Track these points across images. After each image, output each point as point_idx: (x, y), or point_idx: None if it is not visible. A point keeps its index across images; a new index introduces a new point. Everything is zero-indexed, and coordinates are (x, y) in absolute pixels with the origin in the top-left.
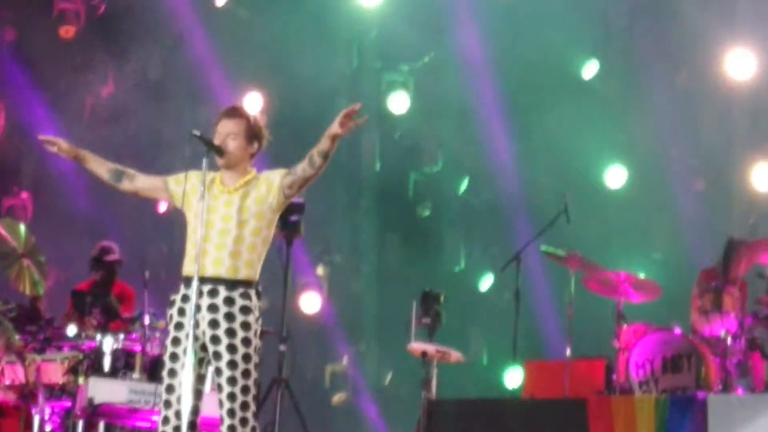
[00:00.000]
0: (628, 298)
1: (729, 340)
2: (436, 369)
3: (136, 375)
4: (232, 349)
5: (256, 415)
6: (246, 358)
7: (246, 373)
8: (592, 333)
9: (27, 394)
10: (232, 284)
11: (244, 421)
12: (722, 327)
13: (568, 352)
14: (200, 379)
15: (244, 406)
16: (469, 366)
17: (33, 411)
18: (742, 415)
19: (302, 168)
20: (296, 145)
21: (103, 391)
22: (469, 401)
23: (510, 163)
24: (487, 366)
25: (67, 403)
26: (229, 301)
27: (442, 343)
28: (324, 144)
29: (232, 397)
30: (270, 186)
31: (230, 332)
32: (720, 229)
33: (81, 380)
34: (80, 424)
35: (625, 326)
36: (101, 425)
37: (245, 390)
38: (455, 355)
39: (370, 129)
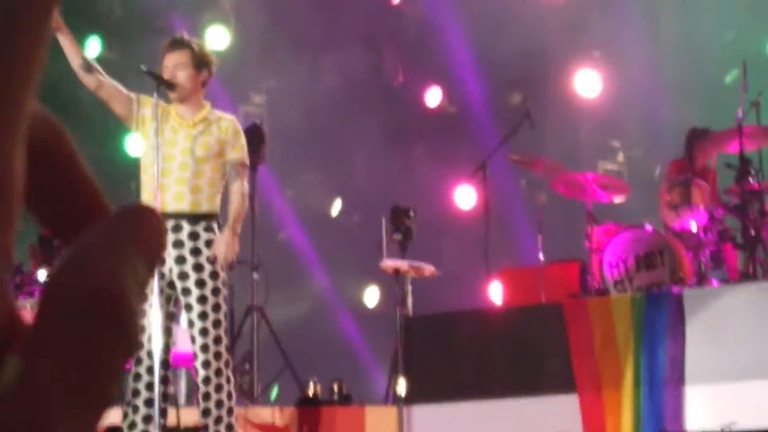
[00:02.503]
0: (597, 198)
1: (701, 233)
2: (410, 285)
3: None
4: (200, 284)
5: (228, 348)
6: (215, 291)
7: (216, 307)
8: (564, 237)
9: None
10: (194, 218)
11: (217, 355)
12: (693, 220)
13: (541, 256)
14: (170, 316)
15: (217, 340)
16: (444, 279)
17: None
18: (718, 307)
19: (234, 197)
20: None
21: None
22: (445, 314)
23: (473, 73)
24: (462, 276)
25: None
26: (193, 235)
27: (414, 256)
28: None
29: (204, 332)
30: (231, 144)
31: (197, 267)
32: (688, 123)
33: None
34: None
35: (596, 227)
36: None
37: (217, 324)
38: (428, 269)
39: None
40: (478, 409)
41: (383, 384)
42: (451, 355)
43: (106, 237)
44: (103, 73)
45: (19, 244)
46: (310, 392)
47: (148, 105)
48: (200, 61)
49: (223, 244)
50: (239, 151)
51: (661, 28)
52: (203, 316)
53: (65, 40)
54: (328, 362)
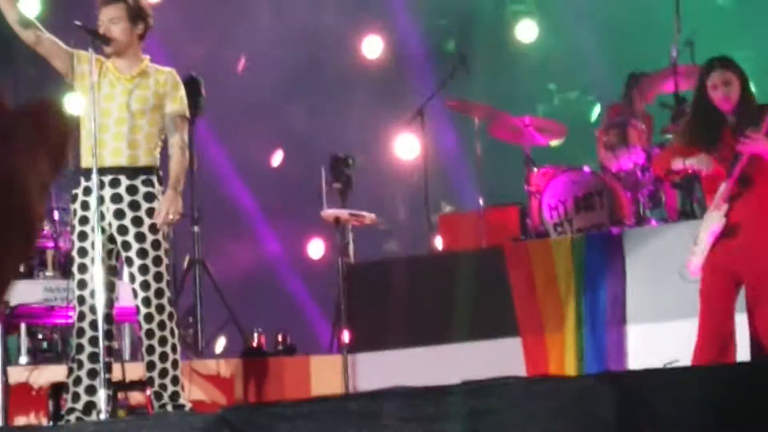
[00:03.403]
0: (534, 141)
1: (638, 173)
2: (351, 233)
3: (49, 272)
4: (140, 237)
5: (171, 301)
6: (155, 245)
7: (157, 260)
8: (503, 181)
9: None
10: (132, 172)
11: (160, 308)
12: (630, 161)
13: (481, 201)
14: (111, 270)
15: (159, 293)
16: (387, 227)
17: None
18: (657, 246)
19: (174, 151)
20: None
21: (18, 292)
22: (386, 261)
23: (408, 18)
24: (404, 223)
25: None
26: (131, 189)
27: (356, 206)
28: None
29: (145, 285)
30: (170, 96)
31: (137, 221)
32: (623, 63)
33: None
34: None
35: (535, 170)
36: (22, 327)
37: (158, 277)
38: (369, 218)
39: None
40: (422, 355)
41: (328, 333)
42: (393, 302)
43: (7, 135)
44: (42, 28)
45: None
46: (255, 343)
47: (86, 61)
48: (135, 15)
49: (166, 203)
50: (178, 103)
51: None
52: (144, 269)
53: None
54: (271, 314)
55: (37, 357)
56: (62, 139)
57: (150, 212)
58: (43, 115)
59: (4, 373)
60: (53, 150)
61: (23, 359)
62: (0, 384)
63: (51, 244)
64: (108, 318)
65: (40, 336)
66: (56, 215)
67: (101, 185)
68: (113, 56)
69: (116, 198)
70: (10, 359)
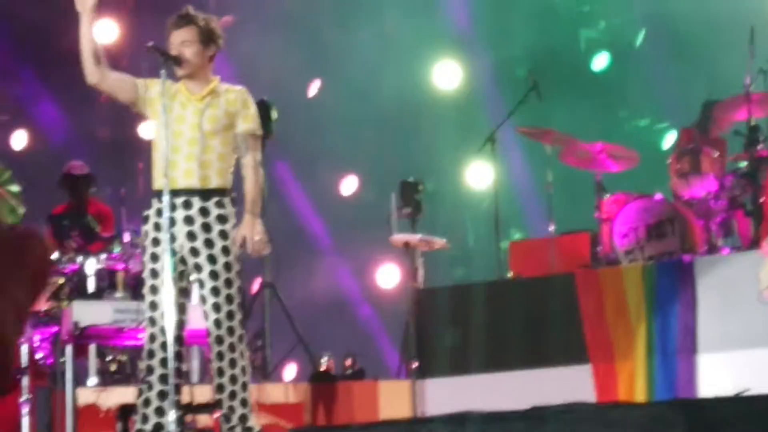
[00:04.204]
0: (606, 168)
1: (710, 201)
2: (421, 258)
3: (119, 294)
4: (212, 259)
5: (242, 323)
6: (227, 266)
7: (228, 282)
8: (574, 207)
9: None
10: (205, 194)
11: (230, 330)
12: (702, 188)
13: (552, 228)
14: (183, 292)
15: (230, 315)
16: (456, 252)
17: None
18: (729, 274)
19: (247, 172)
20: None
21: (87, 313)
22: (456, 287)
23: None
24: (474, 249)
25: (55, 329)
26: (203, 211)
27: (426, 231)
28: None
29: (216, 307)
30: (241, 115)
31: (208, 243)
32: (694, 91)
33: (65, 304)
34: (69, 348)
35: (606, 197)
36: (91, 347)
37: (229, 299)
38: (439, 243)
39: None
40: (491, 382)
41: (396, 358)
42: (462, 327)
43: None
44: (107, 65)
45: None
46: (323, 368)
47: (154, 86)
48: (207, 37)
49: (245, 229)
50: (249, 121)
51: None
52: (215, 291)
53: (90, 28)
54: (340, 338)
55: (106, 378)
56: (43, 266)
57: (222, 234)
58: (25, 242)
59: (73, 394)
60: (33, 277)
61: (92, 381)
62: (69, 405)
63: (121, 265)
64: (178, 340)
65: (109, 357)
66: (127, 237)
67: (173, 207)
68: (184, 78)
69: (188, 220)
70: (79, 381)
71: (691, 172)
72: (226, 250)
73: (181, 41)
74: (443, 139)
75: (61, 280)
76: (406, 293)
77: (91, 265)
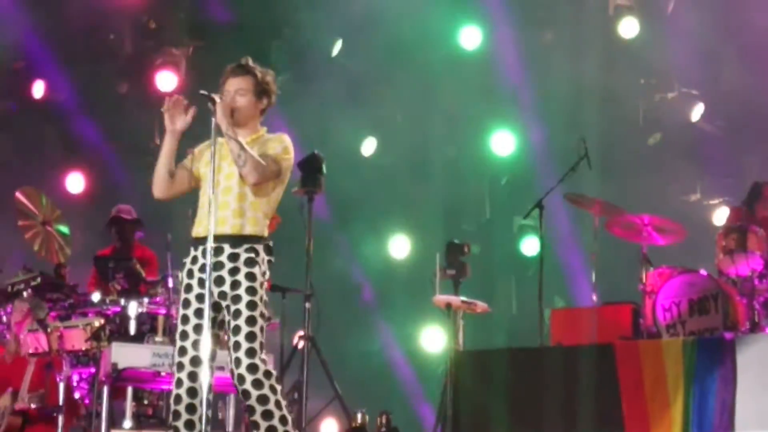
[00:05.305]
0: (652, 241)
1: (755, 279)
2: (462, 320)
3: (159, 338)
4: (236, 299)
5: (266, 361)
6: (250, 305)
7: (251, 320)
8: (617, 278)
9: (51, 362)
10: (237, 240)
11: (252, 368)
12: (748, 266)
13: (595, 298)
14: (213, 338)
15: (250, 352)
16: (498, 316)
17: (58, 379)
18: None
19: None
20: None
21: (126, 355)
22: (495, 351)
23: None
24: (517, 315)
25: (93, 370)
26: (233, 257)
27: (469, 294)
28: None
29: (236, 346)
30: (270, 147)
31: (234, 284)
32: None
33: (104, 345)
34: (106, 389)
35: (650, 270)
36: (129, 390)
37: (250, 337)
38: (481, 306)
39: None
40: None
41: (432, 419)
42: (499, 391)
43: None
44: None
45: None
46: (357, 423)
47: (199, 148)
48: (262, 89)
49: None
50: (273, 149)
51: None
52: (236, 330)
53: (173, 143)
54: (377, 395)
55: (141, 422)
56: None
57: (249, 276)
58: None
59: None
60: None
61: (127, 423)
62: None
63: (163, 310)
64: (207, 386)
65: (145, 401)
66: (170, 282)
67: (204, 254)
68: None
69: (218, 266)
70: (114, 422)
71: (736, 249)
72: (251, 290)
73: (236, 89)
74: (495, 204)
75: (102, 321)
76: (446, 355)
77: (134, 308)
